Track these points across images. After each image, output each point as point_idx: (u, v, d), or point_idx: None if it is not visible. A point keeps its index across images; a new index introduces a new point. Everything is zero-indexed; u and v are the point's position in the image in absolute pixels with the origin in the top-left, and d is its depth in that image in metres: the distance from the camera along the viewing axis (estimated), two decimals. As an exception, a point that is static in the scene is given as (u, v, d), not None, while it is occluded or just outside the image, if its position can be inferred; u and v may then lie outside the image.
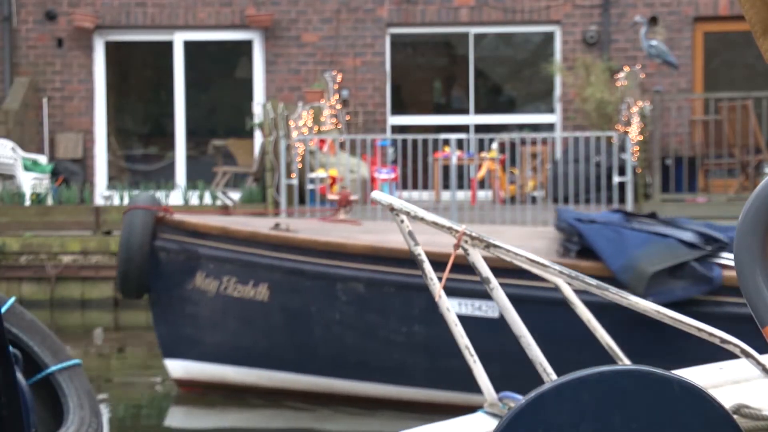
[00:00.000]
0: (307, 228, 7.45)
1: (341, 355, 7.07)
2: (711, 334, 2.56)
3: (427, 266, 2.93)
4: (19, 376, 4.64)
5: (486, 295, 6.58)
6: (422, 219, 2.88)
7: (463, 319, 7.18)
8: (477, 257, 2.84)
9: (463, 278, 6.65)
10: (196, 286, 7.26)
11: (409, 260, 6.75)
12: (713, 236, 6.74)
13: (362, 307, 6.95)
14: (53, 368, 5.08)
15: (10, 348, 4.22)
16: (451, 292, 6.72)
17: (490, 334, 6.66)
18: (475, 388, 7.13)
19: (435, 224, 2.88)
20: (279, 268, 7.06)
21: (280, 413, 7.32)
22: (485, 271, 2.85)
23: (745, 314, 6.93)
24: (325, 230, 7.42)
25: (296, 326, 7.11)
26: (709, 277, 6.17)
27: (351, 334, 7.01)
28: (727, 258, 6.31)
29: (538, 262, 2.86)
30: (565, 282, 3.00)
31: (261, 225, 7.42)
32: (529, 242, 7.02)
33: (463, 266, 7.07)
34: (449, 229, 2.87)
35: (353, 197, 8.63)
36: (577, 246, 6.57)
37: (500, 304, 2.87)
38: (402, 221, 2.88)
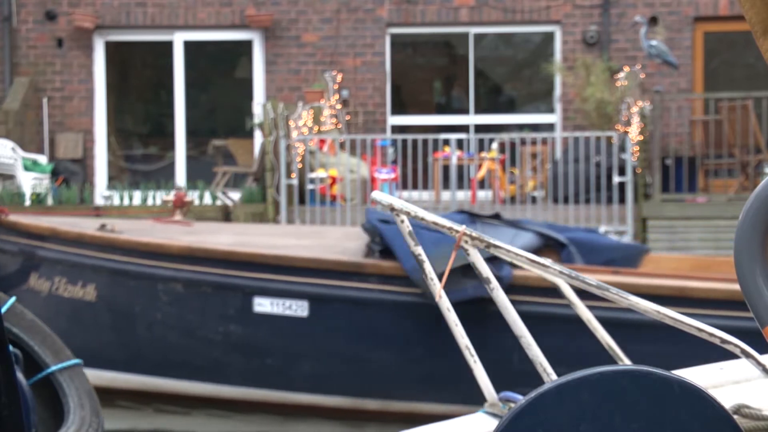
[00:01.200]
0: (135, 229, 7.60)
1: (164, 354, 7.18)
2: (711, 334, 2.57)
3: (428, 266, 2.94)
4: (20, 375, 4.64)
5: (296, 295, 6.67)
6: (422, 219, 2.89)
7: (274, 318, 7.20)
8: (477, 257, 2.84)
9: (274, 278, 6.72)
10: (30, 286, 7.36)
11: (225, 261, 6.86)
12: (552, 237, 6.87)
13: (182, 307, 7.06)
14: (54, 368, 5.08)
15: (11, 348, 4.22)
16: (262, 291, 6.81)
17: (300, 333, 6.78)
18: (287, 386, 7.11)
19: (435, 224, 2.89)
20: (104, 268, 7.18)
21: (108, 413, 7.40)
22: (485, 271, 2.86)
23: (538, 312, 7.04)
24: (152, 231, 7.55)
25: (122, 326, 7.24)
26: (498, 276, 6.29)
27: (172, 333, 7.12)
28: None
29: (537, 263, 2.86)
30: (565, 282, 2.99)
31: (88, 226, 7.53)
32: (343, 243, 7.11)
33: (275, 266, 7.08)
34: (449, 229, 2.87)
35: (188, 198, 8.66)
36: (380, 246, 6.68)
37: (501, 305, 2.87)
38: (402, 221, 2.89)
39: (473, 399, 6.89)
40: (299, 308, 6.68)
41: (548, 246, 6.97)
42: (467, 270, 6.30)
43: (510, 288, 6.32)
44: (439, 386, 6.73)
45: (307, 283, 6.73)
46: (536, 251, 6.86)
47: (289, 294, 6.66)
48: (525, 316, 6.69)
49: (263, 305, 6.82)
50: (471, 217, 7.24)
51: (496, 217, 7.40)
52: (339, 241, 7.23)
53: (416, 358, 6.74)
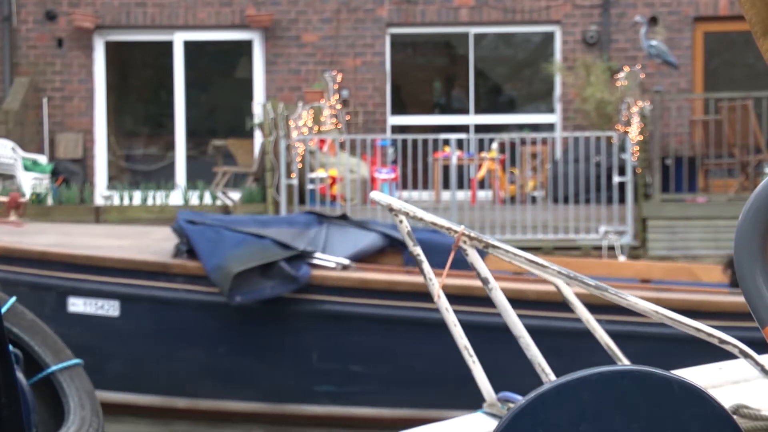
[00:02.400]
0: None
1: None
2: (710, 335, 2.57)
3: (426, 266, 2.94)
4: (20, 375, 4.64)
5: (107, 295, 6.70)
6: (421, 219, 2.89)
7: (87, 318, 7.20)
8: (475, 257, 2.84)
9: (86, 278, 6.73)
10: None
11: (39, 261, 6.89)
12: (396, 237, 6.97)
13: None
14: (54, 368, 5.08)
15: (11, 348, 4.22)
16: (75, 291, 6.82)
17: (112, 333, 6.81)
18: (102, 385, 7.07)
19: (434, 224, 2.89)
20: None
21: None
22: (483, 271, 2.86)
23: (337, 312, 7.09)
24: None
25: None
26: (295, 276, 6.38)
27: None
28: (320, 258, 6.52)
29: (536, 263, 2.86)
30: (564, 282, 2.99)
31: None
32: (162, 243, 7.13)
33: (87, 266, 7.08)
34: (448, 229, 2.88)
35: (22, 199, 8.64)
36: (186, 246, 6.72)
37: (499, 305, 2.87)
38: (401, 221, 2.89)
39: (275, 396, 6.93)
40: (111, 308, 6.72)
41: (393, 246, 7.08)
42: (266, 269, 6.39)
43: (309, 288, 6.39)
44: (241, 384, 6.79)
45: (118, 283, 6.78)
46: (381, 251, 7.04)
47: (101, 294, 6.70)
48: (324, 316, 6.83)
49: (77, 305, 6.85)
50: (319, 217, 7.35)
51: (344, 218, 7.52)
52: (159, 242, 7.27)
53: (220, 357, 6.82)
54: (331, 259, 6.56)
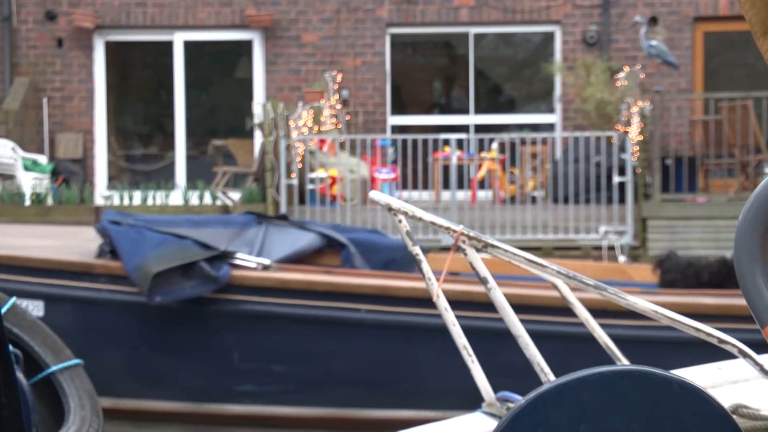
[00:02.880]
0: None
1: None
2: (709, 334, 2.57)
3: (425, 266, 2.94)
4: (20, 376, 4.64)
5: (32, 295, 6.71)
6: (420, 219, 2.89)
7: None
8: (474, 257, 2.84)
9: (11, 278, 6.75)
10: None
11: None
12: (333, 237, 7.01)
13: None
14: (54, 368, 5.08)
15: (11, 348, 4.22)
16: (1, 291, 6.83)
17: None
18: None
19: (433, 224, 2.89)
20: None
21: None
22: (483, 271, 2.85)
23: (257, 312, 7.14)
24: None
25: None
26: (215, 276, 6.40)
27: None
28: (242, 258, 6.56)
29: (535, 262, 2.86)
30: (563, 282, 2.99)
31: None
32: (89, 243, 7.13)
33: (11, 267, 7.07)
34: (447, 229, 2.88)
35: None
36: (109, 247, 6.75)
37: (498, 305, 2.87)
38: (400, 221, 2.89)
39: (196, 396, 6.94)
40: (35, 308, 6.73)
41: (331, 246, 7.14)
42: (186, 269, 6.41)
43: (229, 288, 6.42)
44: (163, 384, 6.84)
45: (42, 284, 6.79)
46: (319, 251, 7.10)
47: (26, 294, 6.68)
48: (244, 316, 6.87)
49: None
50: (258, 218, 7.39)
51: (284, 218, 7.59)
52: (85, 243, 7.29)
53: (142, 357, 6.84)
54: (252, 260, 6.60)
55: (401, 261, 7.12)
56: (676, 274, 6.90)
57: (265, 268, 6.53)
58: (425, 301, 6.32)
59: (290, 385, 6.56)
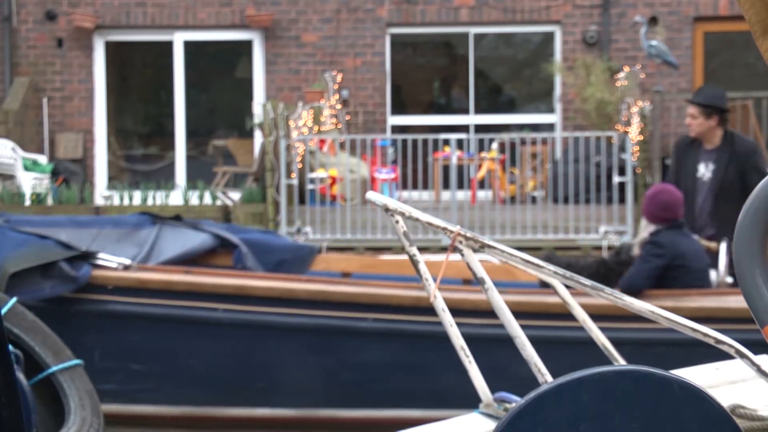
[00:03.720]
0: None
1: None
2: (705, 335, 2.56)
3: (422, 267, 2.93)
4: (20, 376, 4.64)
5: None
6: (417, 219, 2.88)
7: None
8: (471, 258, 2.84)
9: None
10: None
11: None
12: (226, 238, 7.06)
13: None
14: (54, 368, 5.08)
15: (11, 348, 4.22)
16: None
17: None
18: None
19: (430, 224, 2.89)
20: None
21: None
22: (480, 271, 2.85)
23: (118, 311, 7.12)
24: None
25: None
26: (74, 276, 6.40)
27: None
28: (104, 259, 6.58)
29: (532, 263, 2.86)
30: (560, 282, 2.99)
31: None
32: None
33: None
34: (444, 229, 2.87)
35: None
36: None
37: (495, 305, 2.86)
38: (397, 222, 2.88)
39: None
40: None
41: (224, 247, 7.18)
42: (46, 269, 6.42)
43: (89, 287, 6.43)
44: None
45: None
46: (211, 251, 7.14)
47: None
48: (104, 315, 6.85)
49: None
50: (152, 218, 7.40)
51: (178, 218, 7.60)
52: None
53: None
54: (113, 259, 6.61)
55: (293, 261, 7.21)
56: None
57: (126, 267, 6.54)
58: (282, 300, 6.40)
59: (150, 383, 6.59)
